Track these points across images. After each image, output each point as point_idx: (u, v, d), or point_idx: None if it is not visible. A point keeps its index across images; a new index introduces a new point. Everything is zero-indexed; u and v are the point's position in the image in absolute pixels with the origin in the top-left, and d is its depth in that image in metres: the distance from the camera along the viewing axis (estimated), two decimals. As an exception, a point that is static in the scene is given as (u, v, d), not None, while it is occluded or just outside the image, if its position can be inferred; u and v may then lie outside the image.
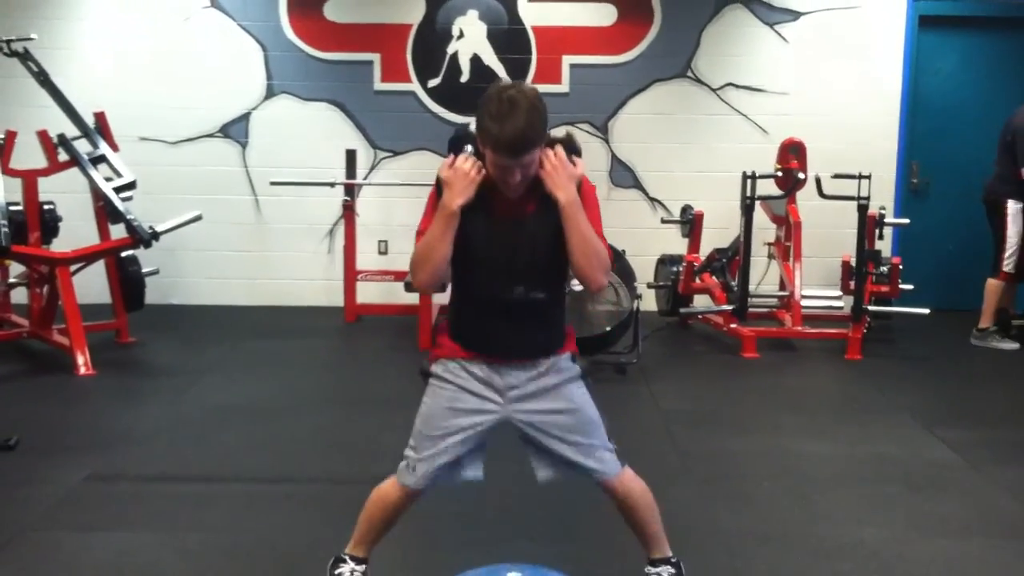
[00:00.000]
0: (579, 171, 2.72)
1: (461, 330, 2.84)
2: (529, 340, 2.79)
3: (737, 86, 7.89)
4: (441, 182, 2.71)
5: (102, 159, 6.31)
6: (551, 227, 2.69)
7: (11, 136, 6.22)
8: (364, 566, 2.97)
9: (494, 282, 2.74)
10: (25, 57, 6.38)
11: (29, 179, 6.27)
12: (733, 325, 6.79)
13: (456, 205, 2.66)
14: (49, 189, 6.43)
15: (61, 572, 3.26)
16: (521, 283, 2.73)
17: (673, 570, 3.00)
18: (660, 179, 7.98)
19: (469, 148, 2.74)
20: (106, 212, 6.28)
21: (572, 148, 2.76)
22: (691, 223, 7.23)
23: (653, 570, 3.00)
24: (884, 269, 7.03)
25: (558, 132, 2.81)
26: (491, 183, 2.70)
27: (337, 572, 2.97)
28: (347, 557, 2.98)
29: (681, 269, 7.11)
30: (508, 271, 2.73)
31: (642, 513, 2.94)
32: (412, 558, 3.21)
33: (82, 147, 6.31)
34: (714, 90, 7.90)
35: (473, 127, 2.75)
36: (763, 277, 7.27)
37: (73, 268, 6.14)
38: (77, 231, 6.61)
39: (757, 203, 6.77)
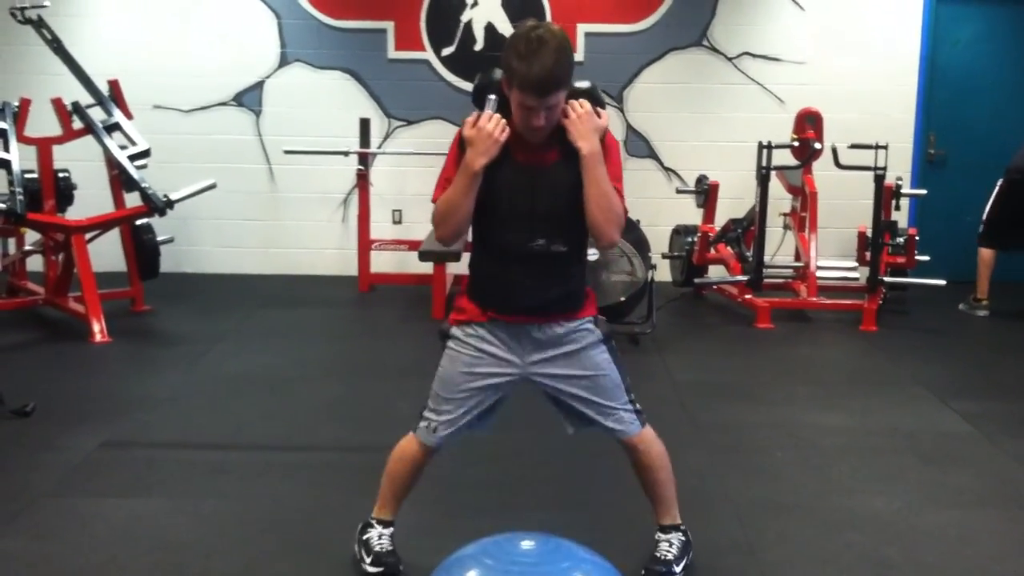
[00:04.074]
0: (604, 123, 2.70)
1: (481, 286, 2.83)
2: (549, 295, 2.77)
3: (753, 55, 7.83)
4: (464, 140, 2.69)
5: (116, 127, 6.31)
6: (573, 178, 2.67)
7: (26, 104, 6.23)
8: (391, 529, 3.01)
9: (515, 231, 2.72)
10: (39, 25, 6.36)
11: (44, 147, 6.28)
12: (748, 296, 6.76)
13: (479, 165, 2.64)
14: (64, 157, 6.44)
15: (76, 537, 3.29)
16: (542, 234, 2.71)
17: (683, 537, 3.02)
18: (675, 149, 7.94)
19: (493, 97, 2.71)
20: (121, 180, 6.29)
21: (596, 100, 2.74)
22: (706, 193, 7.19)
23: (664, 536, 3.02)
24: (900, 240, 7.00)
25: (582, 83, 2.77)
26: (514, 132, 2.68)
27: (366, 537, 3.02)
28: (374, 521, 3.03)
29: (696, 239, 7.08)
30: (529, 220, 2.71)
31: (657, 473, 2.97)
32: (428, 524, 3.22)
33: (96, 115, 6.30)
34: (730, 59, 7.84)
35: (497, 74, 2.72)
36: (778, 248, 7.23)
37: (88, 236, 6.16)
38: (92, 199, 6.62)
39: (773, 173, 6.73)
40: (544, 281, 2.75)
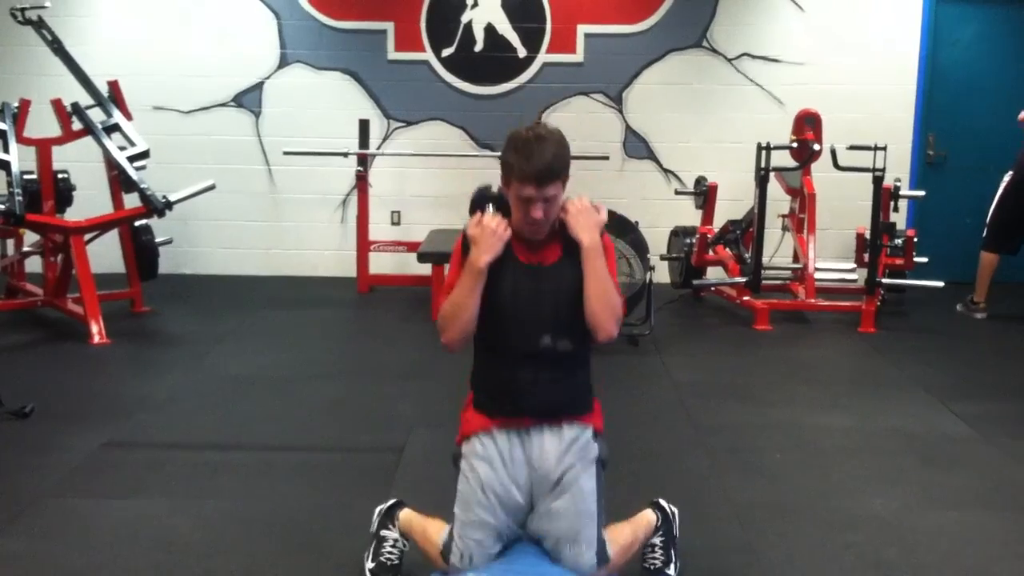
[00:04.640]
0: (603, 218, 2.74)
1: (485, 390, 2.82)
2: (556, 397, 2.76)
3: (753, 56, 7.84)
4: (468, 239, 2.71)
5: (116, 128, 6.32)
6: (575, 275, 2.70)
7: (25, 105, 6.23)
8: (407, 544, 2.99)
9: (520, 332, 2.73)
10: (39, 25, 6.36)
11: (43, 148, 6.28)
12: (746, 297, 6.77)
13: (484, 263, 2.66)
14: (63, 158, 6.44)
15: (77, 538, 3.29)
16: (547, 333, 2.72)
17: (663, 535, 3.01)
18: (674, 150, 7.95)
19: (491, 208, 2.76)
20: (120, 181, 6.29)
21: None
22: (705, 194, 7.20)
23: (648, 543, 3.02)
24: (899, 241, 7.00)
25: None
26: (515, 233, 2.72)
27: (383, 533, 3.00)
28: (398, 525, 2.99)
29: (694, 241, 7.09)
30: (534, 320, 2.72)
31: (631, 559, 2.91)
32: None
33: (96, 116, 6.30)
34: (730, 60, 7.85)
35: (495, 188, 2.77)
36: (777, 249, 7.23)
37: (87, 237, 6.16)
38: (91, 200, 6.62)
39: (772, 174, 6.73)
40: (550, 382, 2.75)
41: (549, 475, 2.74)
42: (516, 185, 2.64)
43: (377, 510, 3.05)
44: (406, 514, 3.01)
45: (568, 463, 2.75)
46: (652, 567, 2.99)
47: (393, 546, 2.97)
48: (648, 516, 3.01)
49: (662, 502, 3.07)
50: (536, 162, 2.60)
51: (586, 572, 2.69)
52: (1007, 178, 6.87)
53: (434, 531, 2.84)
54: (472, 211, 2.85)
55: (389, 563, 2.96)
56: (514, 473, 2.75)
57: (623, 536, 2.86)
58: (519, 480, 2.76)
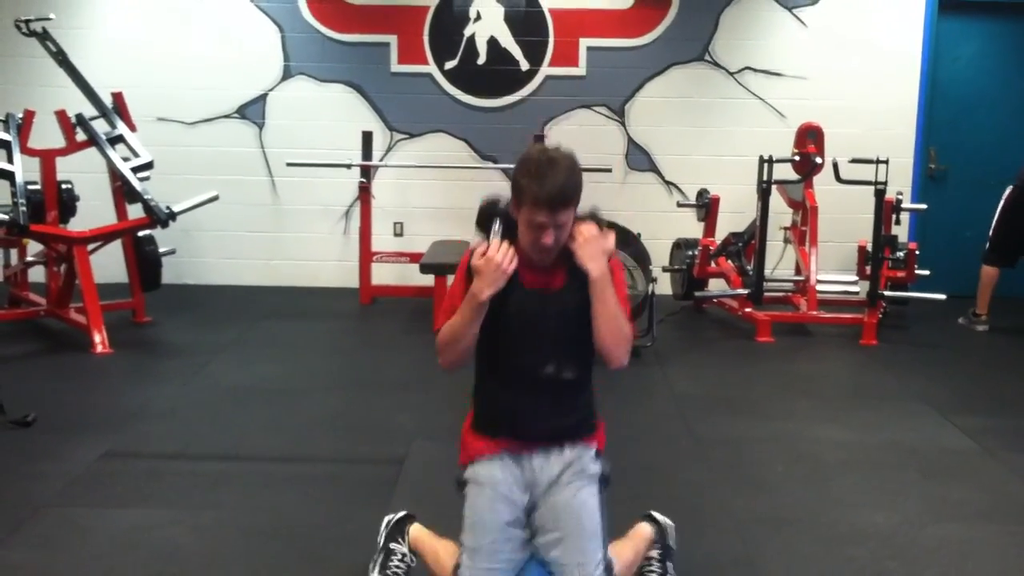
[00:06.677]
0: (610, 245, 2.70)
1: (487, 412, 2.80)
2: (557, 423, 2.74)
3: (755, 70, 7.86)
4: (472, 268, 2.67)
5: (120, 139, 6.34)
6: (580, 302, 2.66)
7: (29, 116, 6.24)
8: (415, 561, 2.96)
9: (523, 358, 2.71)
10: (44, 37, 6.39)
11: (47, 158, 6.30)
12: (748, 309, 6.77)
13: (486, 296, 2.62)
14: (67, 169, 6.45)
15: (78, 548, 3.29)
16: (551, 361, 2.69)
17: (659, 546, 2.99)
18: (676, 163, 7.96)
19: (498, 220, 2.72)
20: (123, 192, 6.31)
21: (600, 223, 2.74)
22: (707, 207, 7.21)
23: (646, 556, 3.00)
24: (900, 255, 7.00)
25: (582, 211, 2.75)
26: (522, 256, 2.68)
27: (392, 546, 2.97)
28: (408, 541, 2.97)
29: (696, 253, 7.09)
30: (538, 346, 2.69)
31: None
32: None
33: (100, 127, 6.32)
34: (732, 74, 7.87)
35: (502, 202, 2.73)
36: (779, 262, 7.23)
37: (90, 247, 6.16)
38: (95, 211, 6.64)
39: (774, 187, 6.74)
40: (553, 409, 2.73)
41: (548, 495, 2.71)
42: (528, 210, 2.58)
43: (385, 520, 3.03)
44: (416, 530, 2.98)
45: (567, 480, 2.72)
46: None
47: (401, 560, 2.95)
48: (645, 530, 3.00)
49: (655, 514, 3.06)
50: (549, 187, 2.54)
51: None
52: (1008, 192, 6.87)
53: (446, 555, 2.79)
54: (478, 223, 2.79)
55: None
56: (518, 498, 2.72)
57: (625, 554, 2.85)
58: (522, 504, 2.72)
